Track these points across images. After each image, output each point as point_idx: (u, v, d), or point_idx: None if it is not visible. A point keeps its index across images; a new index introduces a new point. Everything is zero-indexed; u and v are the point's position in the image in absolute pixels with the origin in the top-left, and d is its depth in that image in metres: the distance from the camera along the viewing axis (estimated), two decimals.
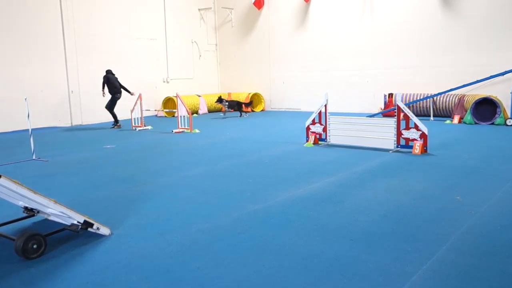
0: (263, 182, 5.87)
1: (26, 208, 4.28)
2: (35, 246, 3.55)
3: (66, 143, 10.35)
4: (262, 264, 3.33)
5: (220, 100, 15.29)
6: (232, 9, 18.40)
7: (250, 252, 3.58)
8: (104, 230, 4.01)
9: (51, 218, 4.26)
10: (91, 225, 3.90)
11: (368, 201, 4.90)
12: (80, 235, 3.99)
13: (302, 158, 7.57)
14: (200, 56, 18.56)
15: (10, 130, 12.24)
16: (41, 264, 3.45)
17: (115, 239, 3.95)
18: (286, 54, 17.16)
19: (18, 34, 12.84)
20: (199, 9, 18.33)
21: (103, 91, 12.75)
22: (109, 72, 12.92)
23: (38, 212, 4.25)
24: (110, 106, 12.89)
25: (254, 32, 18.04)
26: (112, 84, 12.79)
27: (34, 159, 7.98)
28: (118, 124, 13.04)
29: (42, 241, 3.61)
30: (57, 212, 3.82)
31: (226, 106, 15.12)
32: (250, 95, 17.18)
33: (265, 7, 17.51)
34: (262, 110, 17.60)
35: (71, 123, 14.26)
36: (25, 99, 8.19)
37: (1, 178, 3.35)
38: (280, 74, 17.45)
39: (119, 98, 12.92)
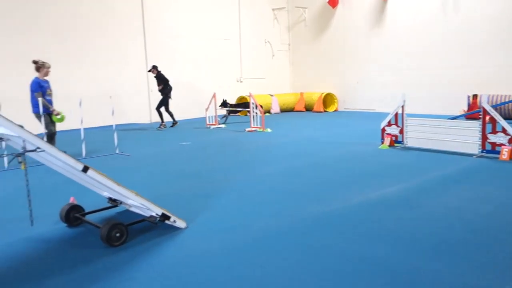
0: (335, 184, 5.77)
1: (110, 198, 4.57)
2: (118, 235, 3.77)
3: (146, 139, 10.90)
4: (326, 268, 3.26)
5: (224, 104, 13.83)
6: (306, 8, 18.29)
7: (313, 253, 3.52)
8: (180, 223, 4.16)
9: (132, 209, 4.51)
10: (168, 217, 4.06)
11: (448, 208, 4.62)
12: (158, 227, 4.17)
13: (377, 160, 7.33)
14: (273, 56, 18.67)
15: (96, 126, 13.13)
16: (122, 252, 3.66)
17: (190, 233, 4.08)
18: (361, 53, 16.73)
19: (105, 36, 13.75)
20: (272, 9, 18.44)
21: (161, 86, 12.62)
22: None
23: (121, 203, 4.51)
24: (166, 106, 12.77)
25: (328, 31, 17.79)
26: (168, 82, 12.72)
27: (117, 153, 8.50)
28: (176, 122, 12.92)
29: (124, 230, 3.82)
30: (138, 203, 4.02)
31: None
32: (323, 95, 16.97)
33: (339, 6, 17.20)
34: (335, 111, 17.31)
35: (150, 120, 14.99)
36: (110, 97, 8.75)
37: (89, 170, 3.59)
38: (354, 73, 17.04)
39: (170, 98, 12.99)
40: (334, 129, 11.65)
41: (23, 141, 3.31)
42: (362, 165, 6.98)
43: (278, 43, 18.83)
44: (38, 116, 7.73)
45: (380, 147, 8.43)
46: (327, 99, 17.41)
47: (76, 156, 7.53)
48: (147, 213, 4.21)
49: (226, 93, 16.57)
